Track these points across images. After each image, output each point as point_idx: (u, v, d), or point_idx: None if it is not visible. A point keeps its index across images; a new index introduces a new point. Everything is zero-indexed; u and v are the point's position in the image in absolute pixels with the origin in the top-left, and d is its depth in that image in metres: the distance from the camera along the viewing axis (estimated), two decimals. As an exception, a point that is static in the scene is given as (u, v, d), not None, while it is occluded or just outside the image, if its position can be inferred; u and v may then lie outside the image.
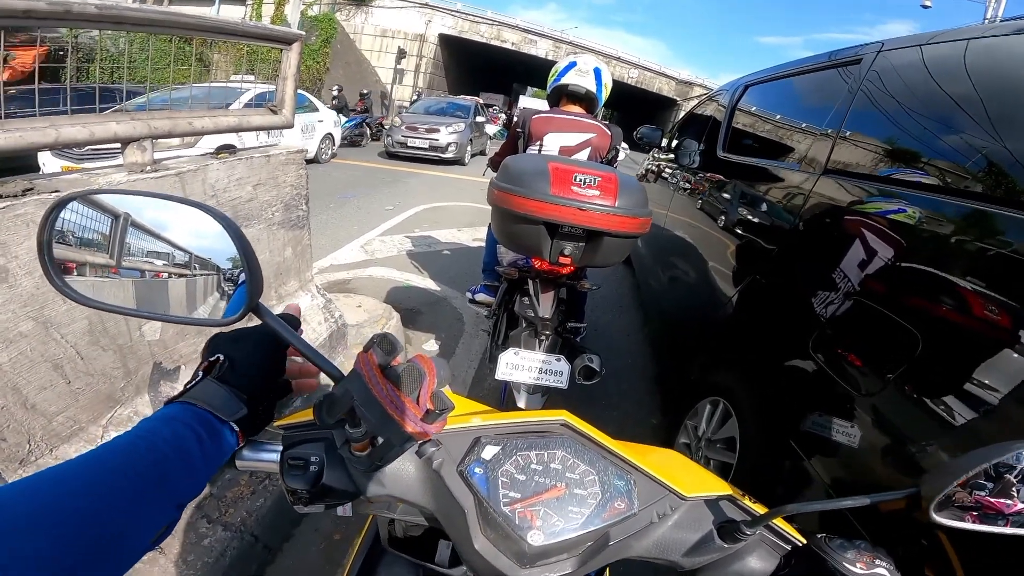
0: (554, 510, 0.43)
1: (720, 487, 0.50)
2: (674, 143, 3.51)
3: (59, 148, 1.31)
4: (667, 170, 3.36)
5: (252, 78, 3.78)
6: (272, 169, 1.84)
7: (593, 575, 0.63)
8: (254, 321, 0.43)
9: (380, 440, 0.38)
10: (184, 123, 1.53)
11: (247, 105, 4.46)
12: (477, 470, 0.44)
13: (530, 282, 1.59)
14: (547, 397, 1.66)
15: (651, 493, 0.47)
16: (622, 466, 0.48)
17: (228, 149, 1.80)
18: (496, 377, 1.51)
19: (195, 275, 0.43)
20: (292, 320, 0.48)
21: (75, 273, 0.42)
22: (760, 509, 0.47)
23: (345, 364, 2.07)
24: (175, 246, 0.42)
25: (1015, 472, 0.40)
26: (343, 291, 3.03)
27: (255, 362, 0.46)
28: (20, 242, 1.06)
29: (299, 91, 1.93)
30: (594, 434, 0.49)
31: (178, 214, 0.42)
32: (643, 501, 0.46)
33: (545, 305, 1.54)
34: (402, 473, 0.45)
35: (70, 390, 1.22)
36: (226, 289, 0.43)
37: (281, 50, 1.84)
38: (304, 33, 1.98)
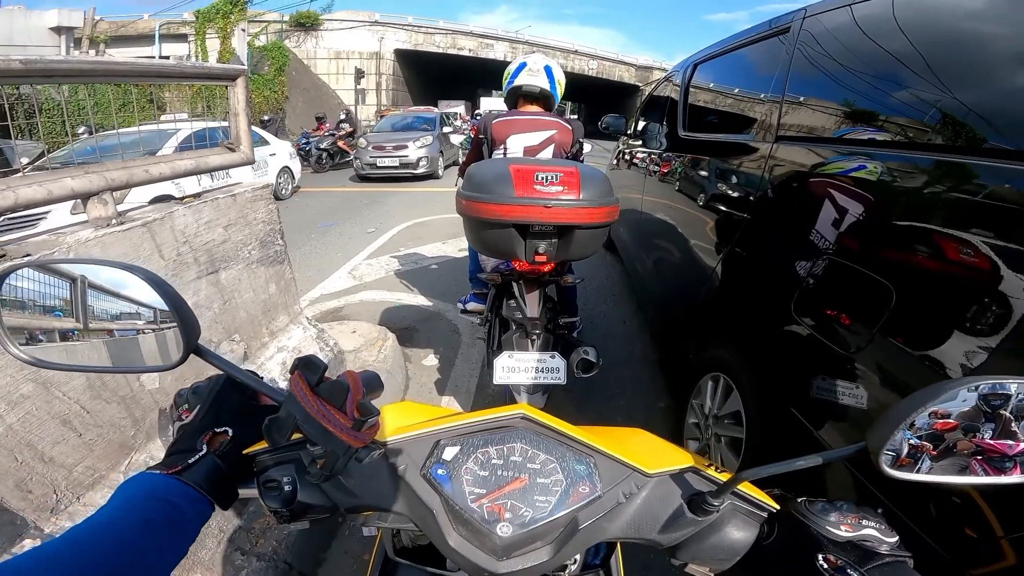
0: (520, 501, 0.44)
1: (683, 460, 0.49)
2: (639, 128, 3.56)
3: (19, 211, 1.29)
4: (636, 155, 3.39)
5: (185, 116, 3.72)
6: (240, 208, 1.82)
7: (599, 562, 0.64)
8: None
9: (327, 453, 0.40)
10: (140, 171, 1.52)
11: (181, 146, 4.37)
12: (440, 471, 0.46)
13: (515, 284, 1.59)
14: (548, 395, 1.66)
15: (614, 474, 0.47)
16: (581, 450, 0.48)
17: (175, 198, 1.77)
18: (494, 382, 1.51)
19: (162, 328, 0.43)
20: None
21: (46, 341, 0.43)
22: (725, 478, 0.47)
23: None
24: (136, 302, 0.43)
25: (1009, 405, 0.37)
26: (336, 319, 3.01)
27: (253, 430, 0.48)
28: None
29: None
30: (552, 423, 0.49)
31: (131, 279, 0.43)
32: (606, 482, 0.46)
33: (532, 305, 1.55)
34: (372, 483, 0.47)
35: (83, 442, 1.27)
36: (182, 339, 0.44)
37: (227, 87, 1.83)
38: (246, 68, 1.98)
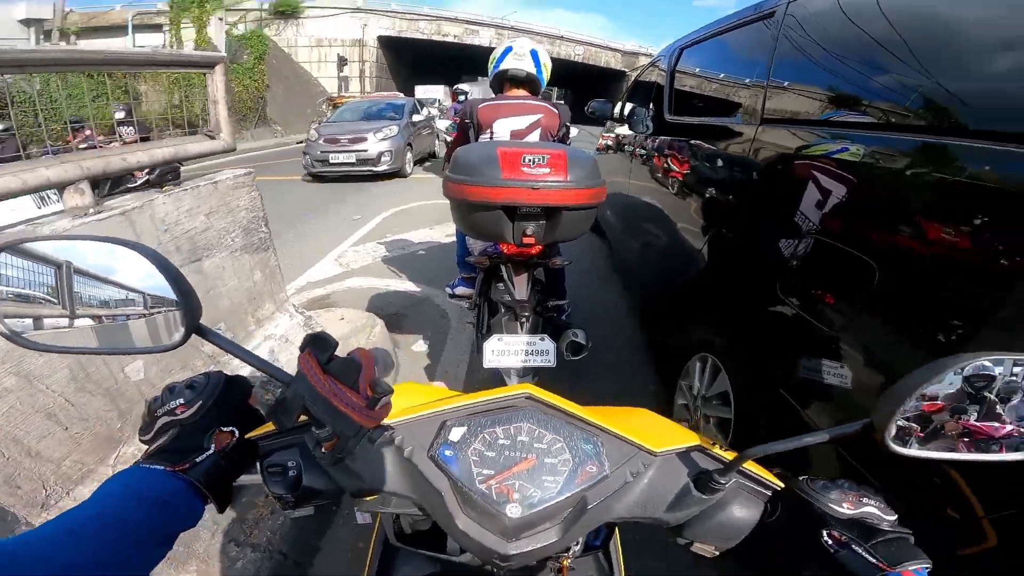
0: (528, 481, 0.43)
1: (689, 438, 0.49)
2: (625, 113, 3.55)
3: (-4, 200, 1.26)
4: (623, 140, 3.39)
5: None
6: (222, 195, 1.79)
7: (599, 544, 0.64)
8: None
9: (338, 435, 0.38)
10: (117, 160, 1.48)
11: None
12: (447, 452, 0.45)
13: (503, 267, 1.59)
14: (538, 378, 1.67)
15: (621, 453, 0.47)
16: (588, 430, 0.48)
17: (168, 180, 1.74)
18: (484, 365, 1.51)
19: (152, 313, 0.42)
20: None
21: (33, 327, 0.41)
22: (730, 457, 0.47)
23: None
24: (125, 287, 0.41)
25: (994, 388, 0.37)
26: (324, 306, 2.98)
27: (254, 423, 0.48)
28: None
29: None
30: (558, 402, 0.49)
31: (117, 254, 0.41)
32: (614, 462, 0.46)
33: (520, 288, 1.55)
34: (378, 466, 0.46)
35: (69, 436, 1.26)
36: (182, 319, 0.42)
37: (205, 74, 1.79)
38: (223, 55, 1.94)
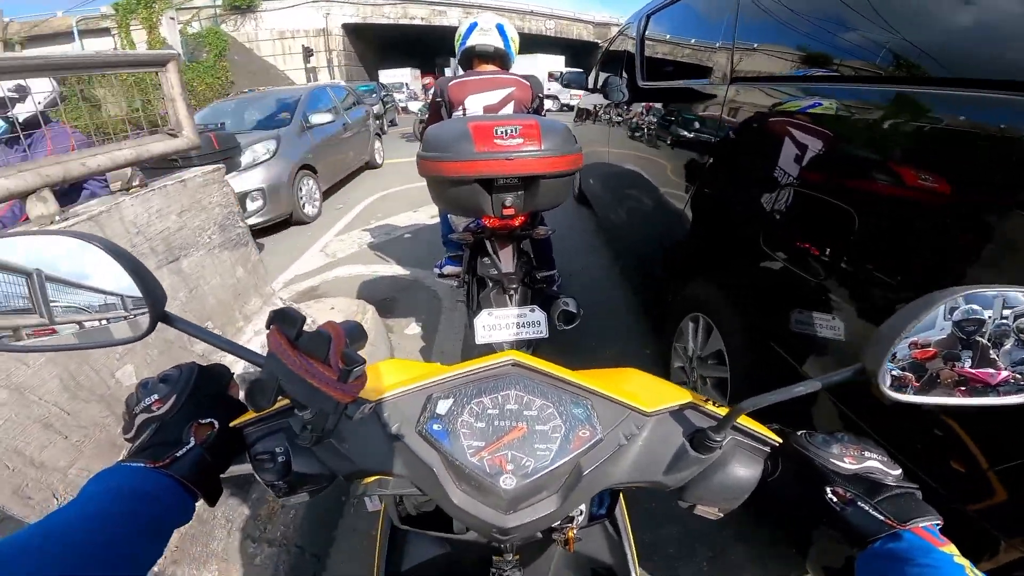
0: (520, 451, 0.42)
1: (681, 396, 0.47)
2: (599, 82, 3.50)
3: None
4: (599, 108, 3.35)
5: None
6: (192, 193, 1.74)
7: (604, 512, 0.63)
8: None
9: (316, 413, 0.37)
10: (77, 165, 1.43)
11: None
12: (435, 427, 0.43)
13: (487, 242, 1.58)
14: (533, 349, 1.68)
15: (613, 415, 0.45)
16: (578, 393, 0.46)
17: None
18: (476, 342, 1.51)
19: (136, 315, 0.41)
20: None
21: (14, 340, 0.41)
22: (724, 413, 0.45)
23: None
24: (101, 291, 0.40)
25: (985, 332, 0.36)
26: (313, 298, 2.95)
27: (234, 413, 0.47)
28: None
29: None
30: (545, 367, 0.47)
31: (89, 257, 0.40)
32: (606, 425, 0.44)
33: (506, 260, 1.54)
34: (367, 446, 0.45)
35: (71, 444, 1.26)
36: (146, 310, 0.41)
37: (158, 73, 1.73)
38: (175, 52, 1.88)
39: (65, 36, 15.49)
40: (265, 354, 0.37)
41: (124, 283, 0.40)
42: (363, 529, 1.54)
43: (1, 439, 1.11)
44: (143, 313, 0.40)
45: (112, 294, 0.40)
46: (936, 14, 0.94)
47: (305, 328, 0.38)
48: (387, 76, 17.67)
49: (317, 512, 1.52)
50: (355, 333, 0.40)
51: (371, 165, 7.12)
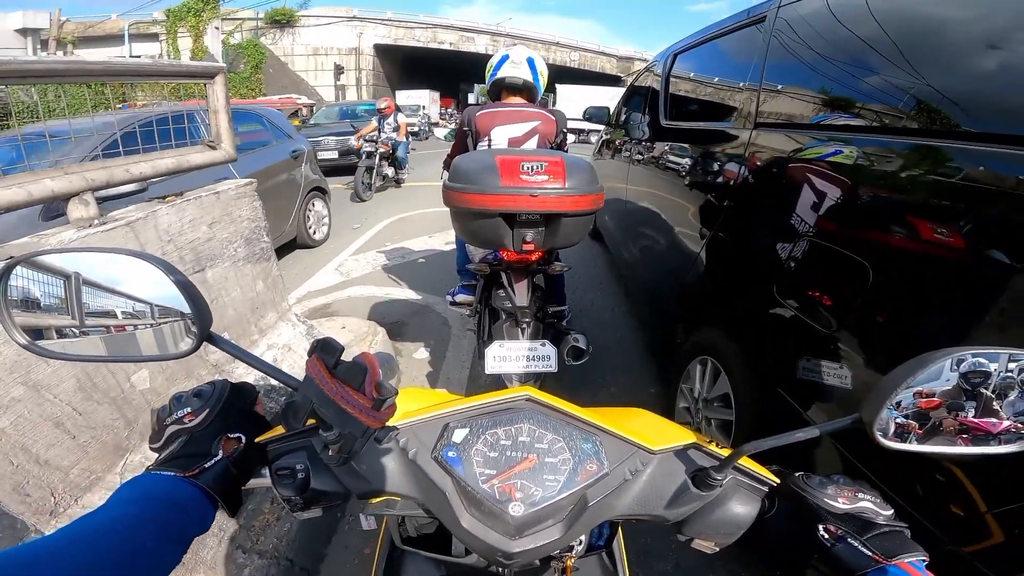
0: (530, 480, 0.44)
1: (685, 436, 0.50)
2: (621, 118, 3.58)
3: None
4: (620, 144, 3.42)
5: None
6: (224, 205, 1.81)
7: (603, 544, 0.64)
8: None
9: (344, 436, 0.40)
10: (121, 171, 1.49)
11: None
12: (450, 454, 0.46)
13: (503, 274, 1.61)
14: (540, 383, 1.68)
15: (619, 451, 0.48)
16: (587, 429, 0.49)
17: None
18: (486, 372, 1.53)
19: (160, 323, 0.43)
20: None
21: (44, 337, 0.43)
22: (726, 454, 0.47)
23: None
24: (133, 298, 0.42)
25: (990, 384, 0.37)
26: (325, 315, 2.99)
27: (260, 430, 0.49)
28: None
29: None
30: (557, 403, 0.50)
31: (126, 265, 0.42)
32: (613, 460, 0.47)
33: (520, 294, 1.57)
34: (383, 468, 0.47)
35: (77, 444, 1.27)
36: (192, 328, 0.43)
37: (205, 85, 1.81)
38: (225, 65, 1.96)
39: (116, 39, 16.26)
40: (300, 378, 0.40)
41: (159, 294, 0.42)
42: (355, 546, 1.53)
43: (11, 435, 1.12)
44: (168, 323, 0.43)
45: (143, 301, 0.43)
46: (966, 65, 0.94)
47: (343, 358, 0.41)
48: (405, 97, 17.85)
49: (310, 527, 1.52)
50: (389, 365, 0.43)
51: (302, 242, 4.37)
